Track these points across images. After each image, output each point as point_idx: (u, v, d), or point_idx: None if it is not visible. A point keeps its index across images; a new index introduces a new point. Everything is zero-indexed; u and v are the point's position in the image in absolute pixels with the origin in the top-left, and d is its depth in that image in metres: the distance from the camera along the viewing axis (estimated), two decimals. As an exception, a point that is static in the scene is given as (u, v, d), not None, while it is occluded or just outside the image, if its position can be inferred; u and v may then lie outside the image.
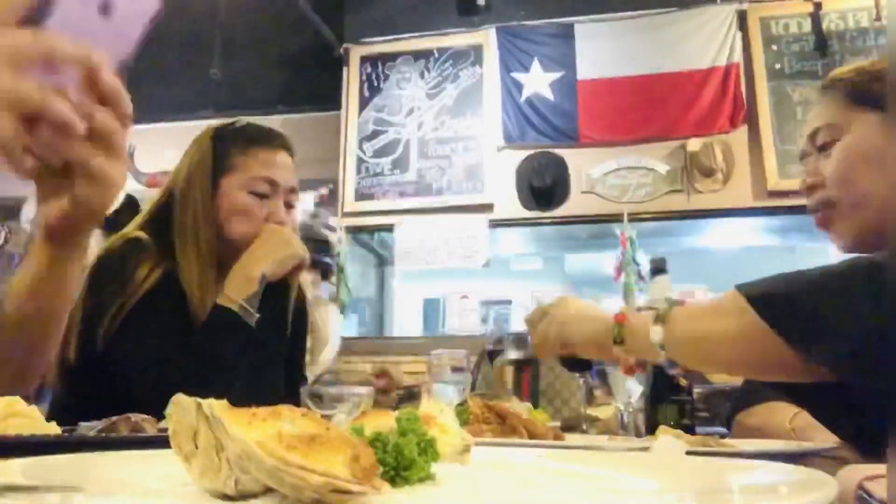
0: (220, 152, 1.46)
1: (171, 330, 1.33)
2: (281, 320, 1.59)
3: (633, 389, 1.09)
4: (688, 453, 0.73)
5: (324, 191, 5.77)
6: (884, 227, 0.98)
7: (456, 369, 1.37)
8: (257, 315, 1.35)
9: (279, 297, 1.55)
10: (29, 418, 0.73)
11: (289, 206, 1.49)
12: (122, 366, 1.30)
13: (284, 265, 1.40)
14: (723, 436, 1.19)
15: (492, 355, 1.43)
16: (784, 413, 1.16)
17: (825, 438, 1.01)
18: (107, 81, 0.67)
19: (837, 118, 1.07)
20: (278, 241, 1.40)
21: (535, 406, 1.39)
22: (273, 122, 5.87)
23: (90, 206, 0.74)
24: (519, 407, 1.19)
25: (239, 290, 1.34)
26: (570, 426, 1.28)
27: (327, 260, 4.42)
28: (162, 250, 1.39)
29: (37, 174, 0.71)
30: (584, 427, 1.25)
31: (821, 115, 1.11)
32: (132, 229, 1.43)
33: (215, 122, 1.59)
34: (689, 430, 1.16)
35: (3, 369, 0.84)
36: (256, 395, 1.44)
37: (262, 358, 1.47)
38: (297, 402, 0.69)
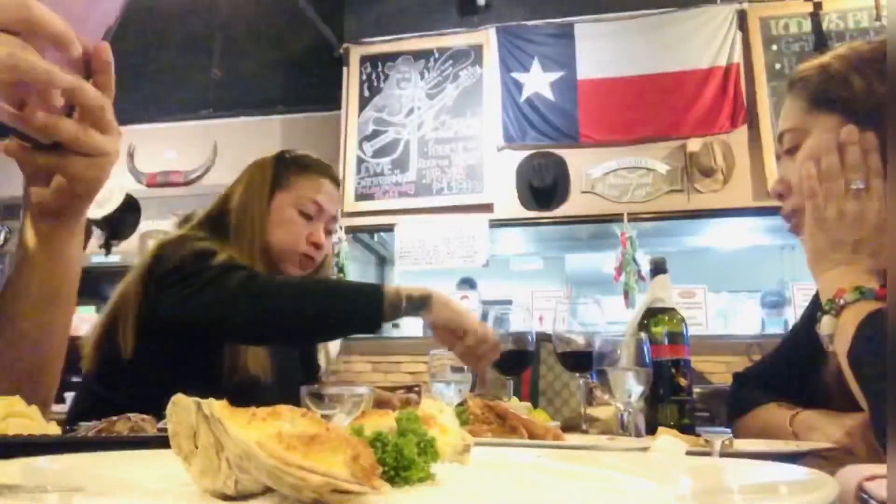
0: (278, 171, 1.62)
1: None
2: None
3: (633, 389, 1.09)
4: (688, 453, 0.73)
5: (324, 191, 5.77)
6: None
7: (456, 369, 1.37)
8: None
9: None
10: (28, 418, 0.72)
11: (328, 232, 1.65)
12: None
13: None
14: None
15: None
16: (782, 414, 1.16)
17: (825, 436, 1.01)
18: (97, 54, 0.68)
19: (801, 121, 1.04)
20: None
21: (535, 406, 1.39)
22: (273, 121, 5.90)
23: (87, 180, 0.74)
24: (519, 407, 1.19)
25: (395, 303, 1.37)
26: (570, 426, 1.28)
27: (327, 260, 4.42)
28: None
29: (26, 155, 0.72)
30: (584, 427, 1.25)
31: (786, 117, 1.07)
32: (188, 230, 1.57)
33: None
34: (689, 430, 1.15)
35: (24, 382, 0.82)
36: (283, 393, 1.50)
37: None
38: (297, 403, 0.69)
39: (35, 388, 0.83)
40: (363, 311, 1.30)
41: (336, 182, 1.69)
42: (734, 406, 1.29)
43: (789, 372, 1.22)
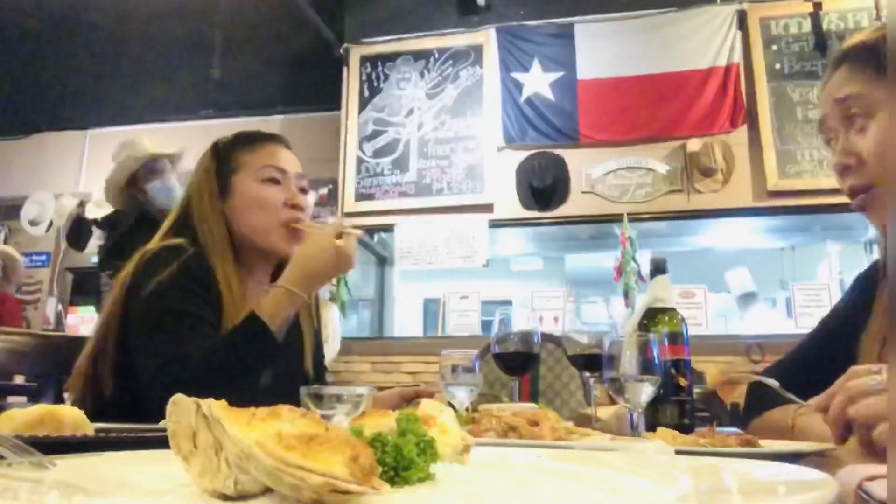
0: (223, 157, 1.53)
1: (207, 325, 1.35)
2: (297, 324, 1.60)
3: (646, 394, 1.07)
4: (677, 452, 0.73)
5: (324, 191, 5.78)
6: None
7: (466, 370, 1.37)
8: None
9: None
10: (61, 423, 0.74)
11: (303, 190, 1.54)
12: (149, 361, 1.30)
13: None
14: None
15: (501, 358, 1.43)
16: (788, 413, 1.15)
17: (820, 437, 1.01)
18: None
19: (866, 89, 0.98)
20: (340, 264, 1.37)
21: (534, 407, 1.39)
22: (273, 122, 5.90)
23: None
24: (527, 407, 1.19)
25: (284, 305, 1.33)
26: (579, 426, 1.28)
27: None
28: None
29: None
30: (596, 426, 1.25)
31: (848, 81, 1.01)
32: (158, 240, 1.47)
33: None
34: (689, 429, 1.15)
35: None
36: (284, 399, 1.46)
37: (288, 363, 1.51)
38: (297, 403, 0.69)
39: None
40: (259, 340, 1.29)
41: (288, 146, 1.59)
42: (752, 406, 1.26)
43: (812, 372, 1.19)
